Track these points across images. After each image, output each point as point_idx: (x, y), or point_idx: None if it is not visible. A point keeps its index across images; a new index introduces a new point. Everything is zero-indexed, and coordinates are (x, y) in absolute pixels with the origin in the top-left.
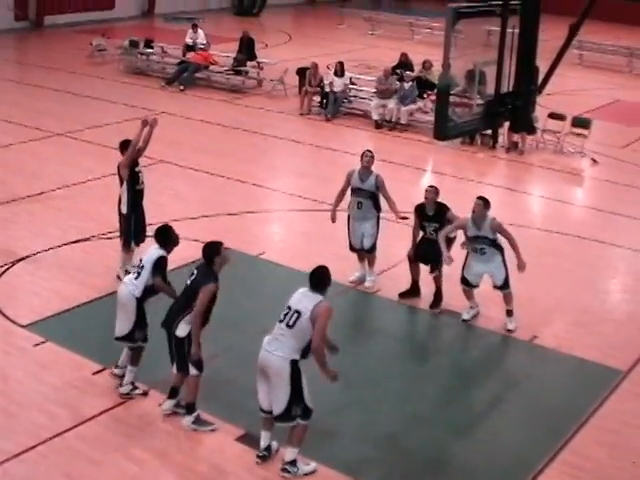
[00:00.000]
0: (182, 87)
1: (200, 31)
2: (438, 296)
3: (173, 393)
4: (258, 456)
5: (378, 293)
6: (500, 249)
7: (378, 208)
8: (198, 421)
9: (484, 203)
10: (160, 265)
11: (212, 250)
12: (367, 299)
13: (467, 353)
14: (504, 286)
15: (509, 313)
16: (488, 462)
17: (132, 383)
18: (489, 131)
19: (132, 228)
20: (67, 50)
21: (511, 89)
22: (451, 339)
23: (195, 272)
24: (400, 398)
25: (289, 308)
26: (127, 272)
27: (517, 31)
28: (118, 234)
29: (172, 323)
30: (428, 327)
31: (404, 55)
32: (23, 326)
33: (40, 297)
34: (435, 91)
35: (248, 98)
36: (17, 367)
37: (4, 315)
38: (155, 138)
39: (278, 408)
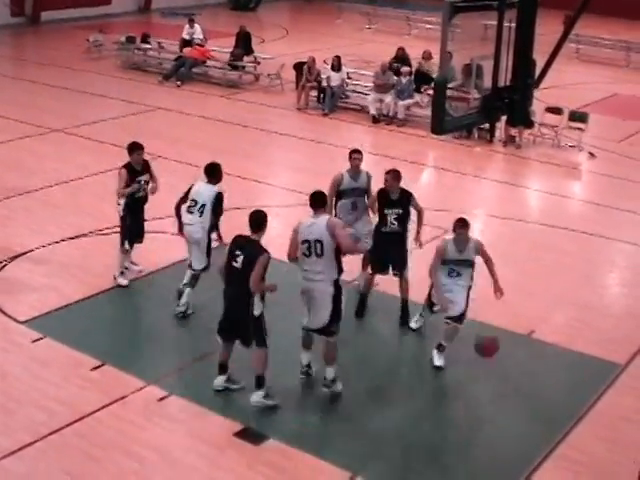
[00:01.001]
0: (179, 82)
1: (197, 26)
2: (405, 310)
3: (223, 369)
4: (302, 372)
5: (375, 287)
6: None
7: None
8: (267, 396)
9: (467, 226)
10: (220, 201)
11: (262, 217)
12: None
13: (465, 348)
14: (459, 319)
15: (441, 348)
16: (487, 456)
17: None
18: (486, 125)
19: (127, 230)
20: (64, 46)
21: (508, 83)
22: None
23: (240, 252)
24: (399, 393)
25: (308, 242)
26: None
27: (514, 25)
28: (116, 231)
29: (247, 310)
30: (426, 322)
31: (401, 49)
32: (21, 322)
33: (38, 293)
34: (433, 85)
35: (245, 93)
36: (15, 364)
37: (2, 311)
38: (152, 134)
39: (320, 323)
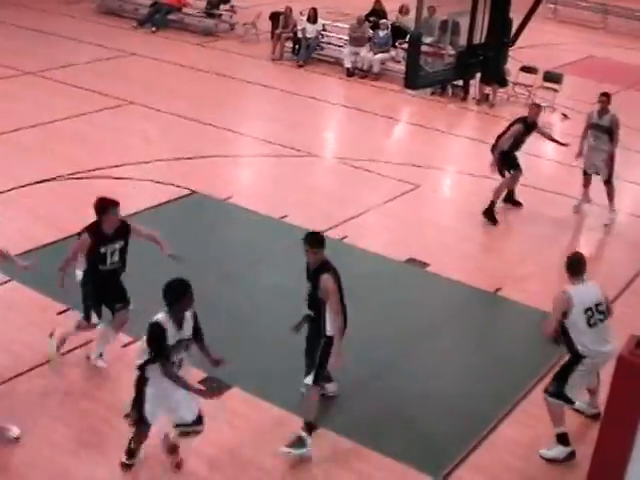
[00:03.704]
0: (154, 29)
1: None
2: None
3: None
4: None
5: (345, 240)
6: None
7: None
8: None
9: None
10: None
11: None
12: (333, 245)
13: (431, 303)
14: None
15: None
16: (447, 410)
17: None
18: (460, 82)
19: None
20: None
21: (484, 41)
22: (416, 288)
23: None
24: (363, 346)
25: None
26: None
27: None
28: (83, 176)
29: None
30: (393, 276)
31: (377, 2)
32: None
33: (5, 236)
34: (408, 39)
35: (221, 42)
36: None
37: None
38: (126, 79)
39: None
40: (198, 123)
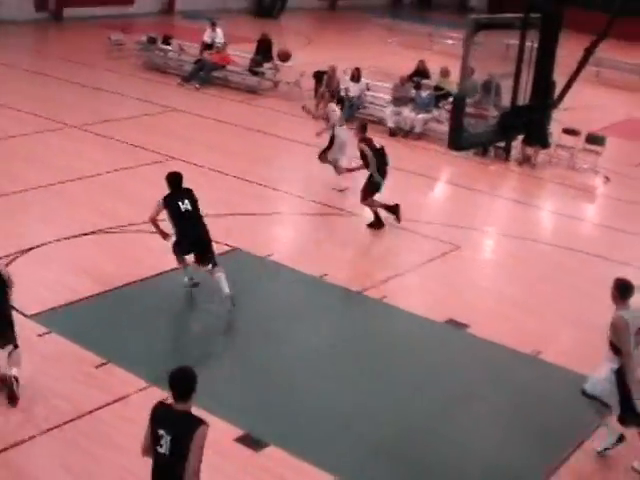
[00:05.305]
0: (198, 85)
1: (218, 30)
2: None
3: None
4: None
5: (384, 300)
6: None
7: None
8: None
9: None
10: None
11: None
12: (374, 306)
13: (470, 365)
14: None
15: None
16: (485, 476)
17: None
18: (503, 143)
19: None
20: (85, 43)
21: (527, 102)
22: (456, 350)
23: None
24: (401, 407)
25: None
26: None
27: (536, 45)
28: (127, 230)
29: None
30: (433, 337)
31: (421, 62)
32: (28, 316)
33: (46, 288)
34: (451, 100)
35: (263, 99)
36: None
37: None
38: (167, 134)
39: None
40: (239, 179)
